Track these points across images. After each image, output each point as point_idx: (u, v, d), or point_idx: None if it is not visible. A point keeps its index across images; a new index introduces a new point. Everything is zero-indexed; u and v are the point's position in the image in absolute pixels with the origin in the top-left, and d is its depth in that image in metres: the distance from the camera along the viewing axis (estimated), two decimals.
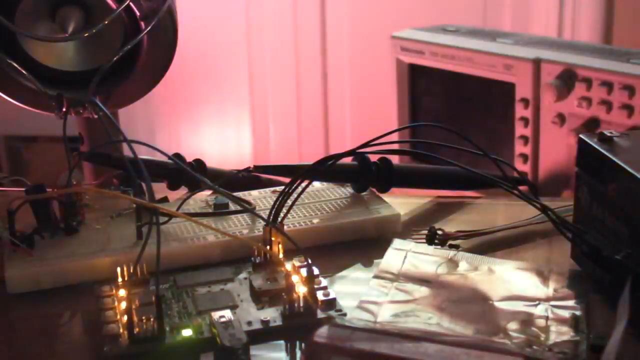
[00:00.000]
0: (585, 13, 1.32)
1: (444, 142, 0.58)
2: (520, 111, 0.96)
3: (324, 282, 0.49)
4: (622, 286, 0.44)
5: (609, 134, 0.50)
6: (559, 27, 1.34)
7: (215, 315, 0.45)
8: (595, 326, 0.46)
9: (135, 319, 0.44)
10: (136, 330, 0.44)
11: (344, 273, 0.54)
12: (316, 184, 0.62)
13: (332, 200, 0.60)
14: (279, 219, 0.53)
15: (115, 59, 0.61)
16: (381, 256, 0.54)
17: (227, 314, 0.46)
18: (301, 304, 0.47)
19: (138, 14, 0.61)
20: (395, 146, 0.59)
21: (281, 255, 0.52)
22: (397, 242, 0.56)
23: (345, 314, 0.47)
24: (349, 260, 0.55)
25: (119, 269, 0.49)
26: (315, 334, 0.43)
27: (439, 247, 0.56)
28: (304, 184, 0.55)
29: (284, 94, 1.45)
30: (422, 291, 0.50)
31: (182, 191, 0.63)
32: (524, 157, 0.97)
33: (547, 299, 0.49)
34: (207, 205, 0.60)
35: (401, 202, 0.62)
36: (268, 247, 0.52)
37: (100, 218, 0.58)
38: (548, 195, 0.83)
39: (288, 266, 0.51)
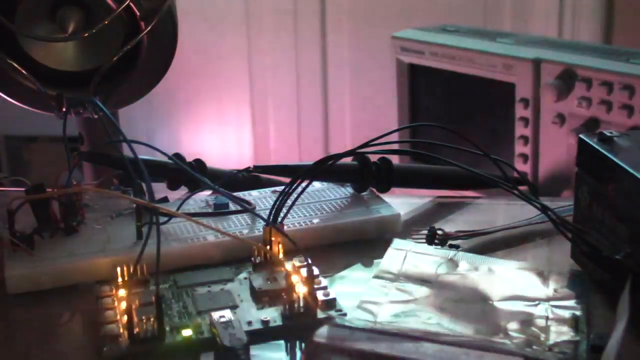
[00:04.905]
0: (585, 13, 1.31)
1: (444, 142, 0.58)
2: (520, 111, 0.96)
3: (324, 282, 0.49)
4: (622, 286, 0.44)
5: (609, 134, 0.50)
6: (559, 27, 1.33)
7: (215, 315, 0.45)
8: (595, 326, 0.46)
9: (135, 319, 0.44)
10: (136, 330, 0.44)
11: (344, 273, 0.54)
12: (316, 184, 0.62)
13: (332, 200, 0.60)
14: (279, 219, 0.53)
15: (115, 59, 0.61)
16: (381, 256, 0.54)
17: (227, 314, 0.45)
18: (301, 304, 0.47)
19: (138, 14, 0.61)
20: (395, 146, 0.59)
21: (281, 255, 0.52)
22: (397, 242, 0.56)
23: (345, 314, 0.47)
24: (349, 260, 0.55)
25: (119, 269, 0.49)
26: (315, 334, 0.43)
27: (439, 247, 0.56)
28: (304, 184, 0.55)
29: (284, 94, 1.45)
30: (422, 291, 0.50)
31: (182, 191, 0.63)
32: (524, 157, 0.97)
33: (547, 299, 0.49)
34: (207, 205, 0.60)
35: (401, 202, 0.62)
36: (268, 247, 0.52)
37: (100, 218, 0.58)
38: (548, 195, 0.83)
39: (288, 266, 0.51)
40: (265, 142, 1.48)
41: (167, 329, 0.45)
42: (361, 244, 0.57)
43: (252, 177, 0.66)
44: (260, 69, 1.45)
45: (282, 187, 0.55)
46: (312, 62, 1.44)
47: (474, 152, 0.57)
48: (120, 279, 0.49)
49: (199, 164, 0.64)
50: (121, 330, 0.45)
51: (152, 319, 0.44)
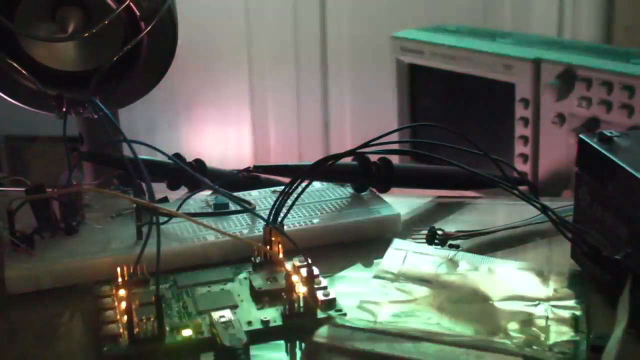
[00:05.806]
0: (585, 13, 1.31)
1: (444, 142, 0.58)
2: (520, 111, 0.96)
3: (324, 282, 0.49)
4: (622, 286, 0.44)
5: (609, 134, 0.50)
6: (559, 27, 1.33)
7: (215, 315, 0.45)
8: (595, 326, 0.46)
9: (135, 319, 0.44)
10: (136, 330, 0.44)
11: (344, 273, 0.54)
12: (316, 184, 0.62)
13: (332, 200, 0.60)
14: (279, 219, 0.53)
15: (115, 59, 0.61)
16: (381, 256, 0.54)
17: (227, 314, 0.45)
18: (301, 304, 0.47)
19: (138, 14, 0.61)
20: (395, 146, 0.59)
21: (281, 255, 0.52)
22: (397, 242, 0.56)
23: (345, 314, 0.47)
24: (349, 260, 0.55)
25: (119, 269, 0.49)
26: (315, 334, 0.43)
27: (439, 247, 0.56)
28: (304, 184, 0.55)
29: (284, 94, 1.45)
30: (422, 291, 0.50)
31: (182, 191, 0.63)
32: (524, 157, 0.97)
33: (547, 299, 0.49)
34: (207, 205, 0.60)
35: (401, 202, 0.62)
36: (268, 247, 0.52)
37: (100, 218, 0.58)
38: (548, 195, 0.83)
39: (288, 266, 0.51)
40: (265, 142, 1.48)
41: (167, 329, 0.45)
42: (361, 244, 0.57)
43: (252, 177, 0.66)
44: (260, 69, 1.45)
45: (282, 187, 0.55)
46: (312, 62, 1.44)
47: (474, 152, 0.57)
48: (120, 279, 0.48)
49: (199, 164, 0.64)
50: (121, 330, 0.45)
51: (152, 319, 0.44)
